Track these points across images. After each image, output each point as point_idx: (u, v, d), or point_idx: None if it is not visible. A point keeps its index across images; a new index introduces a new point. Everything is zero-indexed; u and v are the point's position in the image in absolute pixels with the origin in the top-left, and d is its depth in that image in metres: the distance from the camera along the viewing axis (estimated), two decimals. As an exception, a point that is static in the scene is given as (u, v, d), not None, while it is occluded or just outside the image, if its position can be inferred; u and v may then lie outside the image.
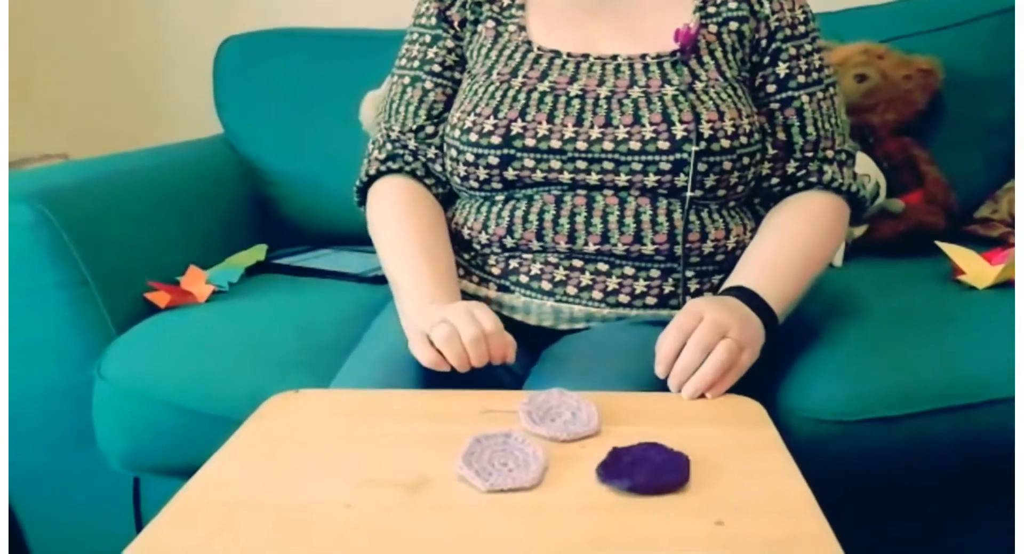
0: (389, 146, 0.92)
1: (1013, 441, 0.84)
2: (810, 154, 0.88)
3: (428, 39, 0.92)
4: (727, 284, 0.81)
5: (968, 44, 1.35)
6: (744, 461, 0.58)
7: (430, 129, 0.91)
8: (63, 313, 0.99)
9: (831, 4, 1.45)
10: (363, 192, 0.94)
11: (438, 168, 0.91)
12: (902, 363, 0.86)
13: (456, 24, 0.92)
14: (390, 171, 0.92)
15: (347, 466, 0.59)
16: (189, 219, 1.24)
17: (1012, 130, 1.34)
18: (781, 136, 0.88)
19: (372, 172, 0.92)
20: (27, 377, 1.02)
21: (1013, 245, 1.19)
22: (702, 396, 0.69)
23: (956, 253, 1.04)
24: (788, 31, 0.87)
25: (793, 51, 0.87)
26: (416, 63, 0.92)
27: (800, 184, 0.88)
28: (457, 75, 0.92)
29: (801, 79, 0.87)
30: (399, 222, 0.87)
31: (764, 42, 0.87)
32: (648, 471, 0.55)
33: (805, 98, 0.87)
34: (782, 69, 0.87)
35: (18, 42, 1.78)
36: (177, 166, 1.32)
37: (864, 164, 1.24)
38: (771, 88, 0.87)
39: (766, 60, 0.87)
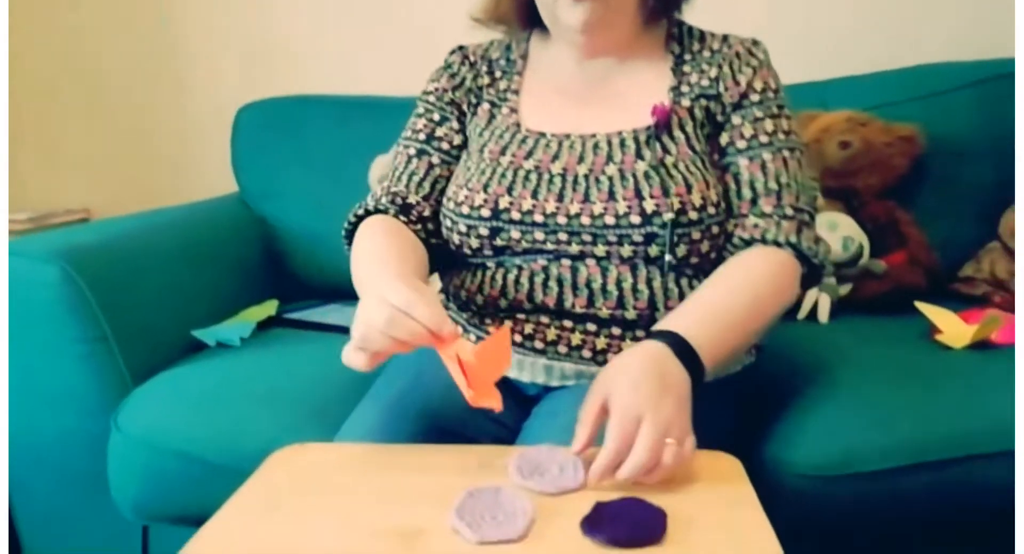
0: (385, 199, 0.94)
1: (987, 495, 0.88)
2: (744, 211, 0.89)
3: (437, 118, 0.98)
4: (657, 327, 0.78)
5: (949, 112, 1.42)
6: (719, 515, 0.62)
7: (432, 200, 0.95)
8: (82, 366, 1.05)
9: (816, 74, 1.53)
10: (350, 236, 0.96)
11: (431, 226, 0.94)
12: (881, 420, 0.90)
13: (464, 107, 0.99)
14: (378, 211, 0.94)
15: (348, 518, 0.63)
16: (204, 275, 1.30)
17: (992, 193, 1.40)
18: (723, 201, 0.88)
19: (361, 212, 0.94)
20: (45, 425, 1.07)
21: (993, 304, 1.24)
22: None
23: (934, 313, 1.08)
24: (738, 102, 0.91)
25: (737, 120, 0.91)
26: (422, 136, 0.98)
27: (736, 241, 0.88)
28: (463, 154, 0.97)
29: (741, 144, 0.90)
30: (375, 238, 0.87)
31: (719, 117, 0.91)
32: (627, 525, 0.59)
33: (743, 161, 0.89)
34: (724, 138, 0.91)
35: (44, 100, 1.88)
36: (193, 225, 1.38)
37: (847, 226, 1.30)
38: (716, 156, 0.91)
39: (717, 132, 0.91)
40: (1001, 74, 1.41)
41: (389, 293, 0.68)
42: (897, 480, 0.87)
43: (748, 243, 0.87)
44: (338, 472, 0.71)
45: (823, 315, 1.25)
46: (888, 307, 1.25)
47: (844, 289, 1.29)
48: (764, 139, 0.89)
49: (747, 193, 0.89)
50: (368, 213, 0.95)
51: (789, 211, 0.88)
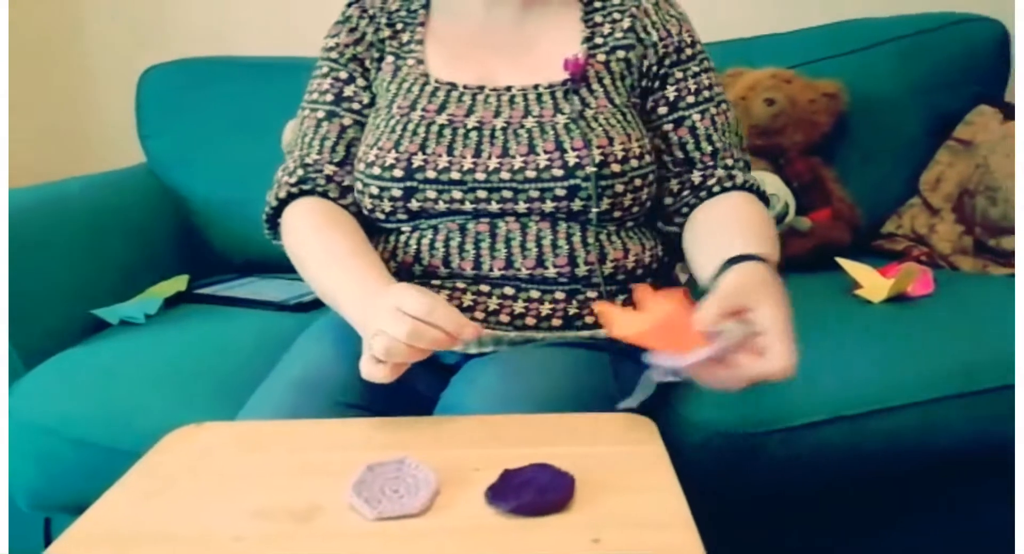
0: (301, 172, 0.90)
1: (904, 447, 0.89)
2: (711, 163, 0.90)
3: (344, 76, 0.93)
4: (736, 253, 0.73)
5: (871, 68, 1.42)
6: (628, 478, 0.60)
7: (349, 166, 0.90)
8: (-33, 351, 0.97)
9: (742, 31, 1.52)
10: (272, 220, 0.93)
11: (356, 195, 0.91)
12: (800, 375, 0.89)
13: (367, 63, 0.93)
14: (302, 193, 0.89)
15: (241, 498, 0.59)
16: (108, 251, 1.23)
17: (914, 149, 1.42)
18: (679, 154, 0.90)
19: (283, 195, 0.90)
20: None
21: (913, 258, 1.25)
22: None
23: (854, 268, 1.09)
24: (675, 56, 0.91)
25: (680, 74, 0.91)
26: (330, 97, 0.92)
27: (715, 188, 0.89)
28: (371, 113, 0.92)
29: (691, 99, 0.90)
30: (321, 233, 0.83)
31: (654, 68, 0.90)
32: (533, 492, 0.56)
33: (696, 116, 0.90)
34: (671, 92, 0.90)
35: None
36: (95, 198, 1.30)
37: (773, 184, 1.29)
38: (663, 110, 0.91)
39: (656, 84, 0.91)
40: (920, 30, 1.42)
41: (404, 302, 0.67)
42: (819, 434, 0.87)
43: (726, 190, 0.89)
44: (234, 451, 0.67)
45: (749, 274, 1.25)
46: (813, 264, 1.25)
47: (769, 247, 1.29)
48: (707, 94, 0.91)
49: (707, 146, 0.90)
50: (291, 196, 0.89)
51: (741, 163, 0.91)
